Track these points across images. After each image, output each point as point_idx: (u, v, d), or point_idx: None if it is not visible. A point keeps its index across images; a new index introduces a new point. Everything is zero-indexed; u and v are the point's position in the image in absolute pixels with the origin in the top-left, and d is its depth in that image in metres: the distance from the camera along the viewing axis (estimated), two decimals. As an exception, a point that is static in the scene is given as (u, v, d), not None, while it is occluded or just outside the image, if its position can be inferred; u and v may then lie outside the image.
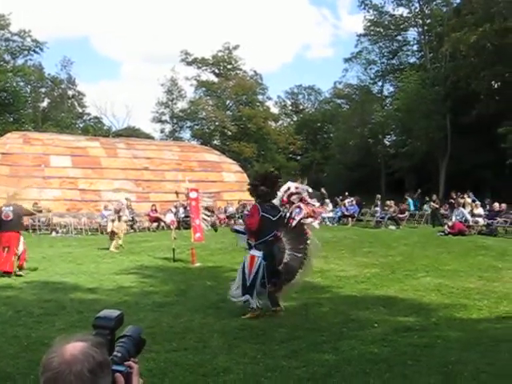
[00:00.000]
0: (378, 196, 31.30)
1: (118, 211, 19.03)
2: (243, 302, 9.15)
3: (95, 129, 63.26)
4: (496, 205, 23.95)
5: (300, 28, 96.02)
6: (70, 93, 66.25)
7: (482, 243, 19.14)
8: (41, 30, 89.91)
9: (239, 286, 9.26)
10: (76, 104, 67.36)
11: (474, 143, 41.77)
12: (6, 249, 12.99)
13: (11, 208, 13.52)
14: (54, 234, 24.45)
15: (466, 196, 27.27)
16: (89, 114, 68.88)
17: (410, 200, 31.48)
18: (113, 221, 18.85)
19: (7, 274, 12.85)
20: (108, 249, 18.11)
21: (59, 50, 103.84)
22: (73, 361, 1.48)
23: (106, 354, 1.57)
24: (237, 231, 10.16)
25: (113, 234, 18.66)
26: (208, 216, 16.78)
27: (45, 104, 64.58)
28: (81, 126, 65.88)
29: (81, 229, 25.34)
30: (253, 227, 9.24)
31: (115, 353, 1.66)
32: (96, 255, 16.91)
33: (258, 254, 9.14)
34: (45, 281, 12.20)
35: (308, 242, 9.58)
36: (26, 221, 24.50)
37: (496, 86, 43.89)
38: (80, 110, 67.94)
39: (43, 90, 64.20)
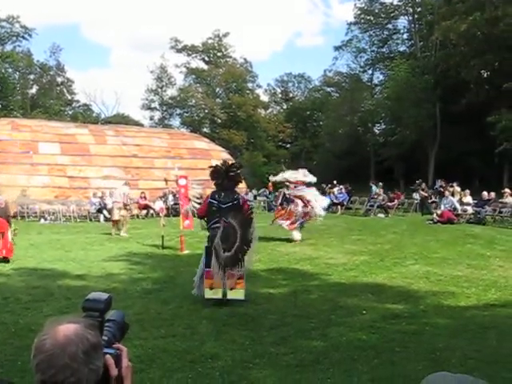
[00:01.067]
0: (380, 184, 31.32)
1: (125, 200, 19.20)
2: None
3: (84, 116, 62.90)
4: (485, 194, 24.04)
5: (291, 16, 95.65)
6: (59, 80, 65.77)
7: (471, 231, 19.24)
8: (30, 17, 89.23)
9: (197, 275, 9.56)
10: (65, 91, 66.89)
11: (464, 132, 41.94)
12: (1, 235, 12.96)
13: (2, 197, 14.20)
14: (42, 221, 24.34)
15: (454, 185, 27.34)
16: (78, 101, 68.57)
17: (374, 187, 31.69)
18: (119, 209, 18.90)
19: (5, 259, 12.82)
20: (118, 234, 18.57)
21: (48, 37, 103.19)
22: (67, 342, 1.45)
23: (99, 336, 1.56)
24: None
25: (117, 222, 18.94)
26: (199, 204, 16.72)
27: (33, 91, 64.14)
28: (70, 113, 65.49)
29: (69, 216, 25.24)
30: (200, 212, 10.10)
31: (102, 337, 1.63)
32: (84, 242, 16.85)
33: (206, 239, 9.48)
34: (33, 267, 12.14)
35: (253, 230, 9.31)
36: (15, 208, 24.54)
37: (486, 74, 44.03)
38: (69, 97, 67.51)
39: (32, 76, 63.72)
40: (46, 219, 24.53)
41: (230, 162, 10.54)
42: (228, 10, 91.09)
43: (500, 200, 23.83)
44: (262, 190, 35.41)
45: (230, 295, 9.05)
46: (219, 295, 9.03)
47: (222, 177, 9.69)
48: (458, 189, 26.32)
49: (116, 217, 19.05)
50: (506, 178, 40.29)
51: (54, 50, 63.32)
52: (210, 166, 10.34)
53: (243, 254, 9.06)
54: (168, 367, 6.07)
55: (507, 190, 24.78)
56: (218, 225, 9.20)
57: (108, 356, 1.58)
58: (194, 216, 12.46)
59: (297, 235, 16.82)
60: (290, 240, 16.88)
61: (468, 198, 24.53)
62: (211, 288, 9.07)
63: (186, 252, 14.63)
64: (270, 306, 8.81)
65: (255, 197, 32.56)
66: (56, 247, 15.74)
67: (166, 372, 5.94)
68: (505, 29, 36.34)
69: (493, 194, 24.21)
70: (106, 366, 1.56)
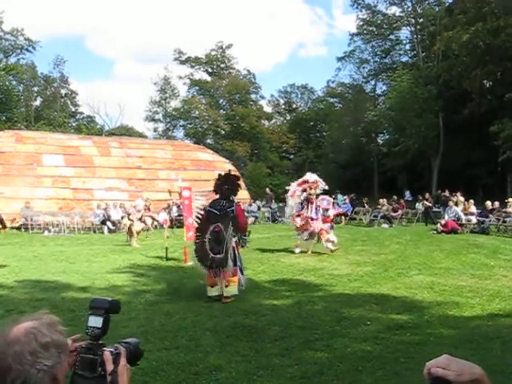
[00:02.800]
0: (395, 197, 31.28)
1: (138, 211, 19.65)
2: None
3: (88, 128, 63.06)
4: (488, 203, 23.97)
5: (294, 27, 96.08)
6: (63, 91, 66.03)
7: (475, 241, 19.18)
8: (34, 29, 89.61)
9: None
10: (69, 103, 67.13)
11: (467, 141, 41.93)
12: None
13: None
14: (46, 232, 24.36)
15: (458, 194, 27.31)
16: (82, 113, 68.78)
17: (340, 196, 31.76)
18: (139, 219, 19.50)
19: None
20: (130, 245, 19.00)
21: (52, 49, 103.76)
22: (13, 342, 1.47)
23: (59, 333, 1.57)
24: None
25: (132, 232, 19.37)
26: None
27: (37, 103, 64.43)
28: (74, 124, 65.66)
29: (73, 228, 25.27)
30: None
31: (110, 347, 1.72)
32: (88, 254, 16.86)
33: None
34: (37, 279, 12.14)
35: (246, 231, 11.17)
36: (19, 219, 24.63)
37: (488, 84, 44.03)
38: (73, 109, 67.72)
39: (36, 88, 64.00)
40: (49, 231, 24.56)
41: (232, 173, 11.39)
42: (231, 22, 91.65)
43: (504, 209, 23.79)
44: (265, 201, 35.44)
45: (225, 292, 10.08)
46: (219, 292, 10.15)
47: (222, 185, 10.69)
48: (461, 198, 26.29)
49: (139, 227, 19.51)
50: (509, 187, 40.23)
51: (58, 62, 63.67)
52: (223, 174, 11.18)
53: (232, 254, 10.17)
54: (172, 379, 6.06)
55: (511, 200, 24.74)
56: (214, 230, 10.21)
57: (106, 352, 1.66)
58: None
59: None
60: (293, 251, 16.86)
61: (472, 208, 24.50)
62: (212, 286, 10.21)
63: (189, 263, 14.59)
64: (274, 317, 8.79)
65: (259, 208, 32.55)
66: (60, 259, 15.75)
67: (170, 384, 5.94)
68: (506, 39, 36.41)
69: (496, 204, 24.16)
70: (102, 361, 1.64)
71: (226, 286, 10.13)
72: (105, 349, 1.67)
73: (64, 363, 1.58)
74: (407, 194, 31.42)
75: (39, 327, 1.53)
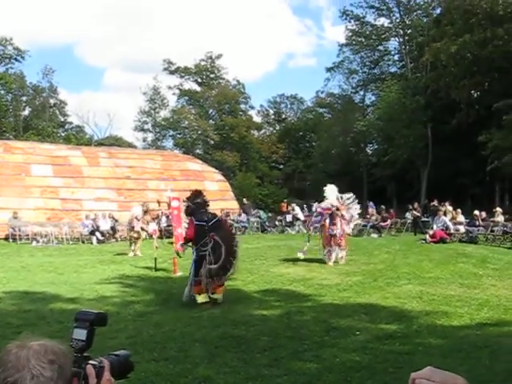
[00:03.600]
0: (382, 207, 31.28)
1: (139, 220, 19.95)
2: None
3: (77, 138, 62.77)
4: (476, 213, 24.04)
5: (283, 38, 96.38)
6: (52, 101, 65.77)
7: (463, 251, 19.24)
8: (23, 38, 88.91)
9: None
10: (58, 113, 66.85)
11: (455, 151, 42.20)
12: None
13: None
14: (34, 243, 24.20)
15: (446, 204, 27.42)
16: (71, 123, 68.44)
17: (297, 208, 31.89)
18: (130, 229, 19.95)
19: None
20: (134, 255, 19.25)
21: (41, 59, 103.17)
22: (26, 346, 1.54)
23: (66, 360, 1.59)
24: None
25: (137, 239, 19.68)
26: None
27: (26, 112, 64.08)
28: (62, 134, 65.36)
29: (62, 238, 25.13)
30: (189, 236, 11.21)
31: (93, 360, 1.69)
32: (77, 265, 16.76)
33: (194, 256, 11.11)
34: (24, 291, 12.07)
35: (236, 241, 11.50)
36: (6, 230, 24.47)
37: (476, 95, 44.38)
38: (62, 119, 67.43)
39: (24, 98, 63.70)
40: (38, 241, 24.39)
41: (198, 190, 12.28)
42: (221, 32, 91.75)
43: (491, 219, 23.91)
44: (255, 211, 35.41)
45: (214, 296, 10.86)
46: (207, 299, 10.77)
47: (201, 199, 11.49)
48: (449, 208, 26.39)
49: (136, 235, 19.72)
50: (497, 196, 40.51)
51: (47, 71, 63.45)
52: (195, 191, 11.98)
53: (230, 265, 10.90)
54: (160, 391, 6.03)
55: (498, 209, 24.91)
56: (206, 242, 10.75)
57: (89, 366, 1.64)
58: None
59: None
60: (282, 260, 16.86)
61: (460, 217, 24.61)
62: (200, 294, 10.78)
63: (178, 274, 14.57)
64: (263, 327, 8.78)
65: (248, 218, 32.51)
66: (48, 270, 15.65)
67: (158, 395, 5.91)
68: (493, 50, 36.76)
69: (483, 214, 24.25)
70: (85, 375, 1.62)
71: (213, 294, 10.86)
72: (89, 362, 1.65)
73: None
74: (370, 204, 31.41)
75: (54, 347, 1.57)
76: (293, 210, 31.60)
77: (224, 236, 11.00)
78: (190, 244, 11.46)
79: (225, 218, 12.31)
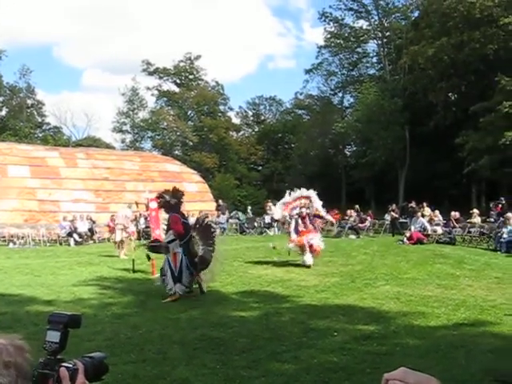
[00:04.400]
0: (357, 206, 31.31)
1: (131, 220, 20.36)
2: (167, 290, 11.54)
3: (55, 139, 62.24)
4: (453, 213, 24.26)
5: (263, 39, 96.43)
6: (29, 102, 65.15)
7: (440, 251, 19.43)
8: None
9: (169, 277, 11.59)
10: (35, 113, 66.24)
11: (432, 153, 42.61)
12: None
13: None
14: (11, 245, 23.95)
15: (424, 205, 27.61)
16: (48, 124, 67.82)
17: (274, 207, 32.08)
18: (122, 229, 19.59)
19: None
20: (118, 257, 19.04)
21: (19, 59, 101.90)
22: None
23: (23, 359, 1.57)
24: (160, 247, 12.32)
25: (121, 243, 19.49)
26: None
27: (3, 113, 63.37)
28: (40, 135, 64.76)
29: (39, 240, 24.90)
30: (181, 232, 11.66)
31: (67, 363, 1.67)
32: (54, 267, 16.62)
33: (179, 250, 11.65)
34: (0, 293, 11.93)
35: (215, 237, 12.29)
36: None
37: (453, 97, 44.89)
38: (39, 120, 66.82)
39: (1, 98, 63.04)
40: (14, 243, 24.15)
41: (179, 188, 12.74)
42: (201, 33, 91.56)
43: (468, 220, 24.16)
44: (233, 213, 35.38)
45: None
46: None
47: (180, 198, 12.22)
48: (427, 209, 26.58)
49: (118, 238, 19.63)
50: (474, 197, 40.96)
51: (24, 72, 62.86)
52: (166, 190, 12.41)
53: (209, 260, 11.87)
54: (138, 393, 6.00)
55: (475, 211, 25.17)
56: (189, 238, 11.79)
57: (63, 369, 1.61)
58: None
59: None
60: (260, 262, 16.88)
61: (438, 219, 24.82)
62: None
63: (157, 275, 14.49)
64: (241, 329, 8.77)
65: (227, 220, 32.47)
66: (25, 272, 15.49)
67: (135, 398, 5.88)
68: (470, 53, 37.21)
69: (457, 215, 24.34)
70: (59, 378, 1.59)
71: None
72: (62, 364, 1.64)
73: None
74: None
75: (7, 346, 1.53)
76: (269, 209, 31.59)
77: (203, 233, 12.16)
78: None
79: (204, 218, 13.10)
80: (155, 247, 12.69)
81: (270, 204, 32.16)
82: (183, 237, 11.68)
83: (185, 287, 11.60)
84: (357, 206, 30.72)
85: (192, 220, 13.05)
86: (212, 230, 12.45)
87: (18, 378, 1.53)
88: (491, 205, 27.36)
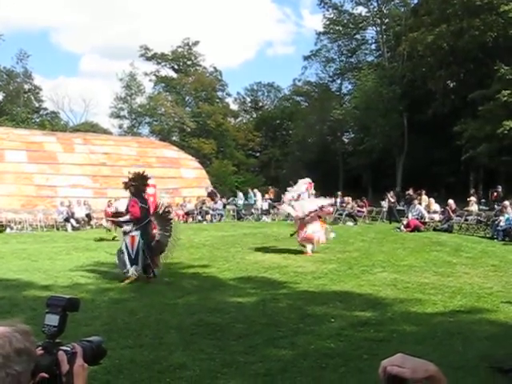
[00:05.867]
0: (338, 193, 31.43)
1: None
2: (124, 272, 11.84)
3: (52, 124, 62.05)
4: (450, 202, 24.11)
5: (262, 25, 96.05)
6: (26, 87, 64.86)
7: (437, 239, 19.46)
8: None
9: (125, 259, 11.92)
10: (32, 98, 65.98)
11: (430, 141, 42.58)
12: None
13: None
14: (8, 230, 23.94)
15: (422, 192, 27.60)
16: (45, 109, 67.65)
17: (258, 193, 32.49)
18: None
19: None
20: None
21: (16, 43, 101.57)
22: None
23: (30, 343, 1.57)
24: (119, 222, 12.97)
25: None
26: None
27: (0, 98, 63.17)
28: (37, 120, 64.55)
29: (36, 225, 24.89)
30: (137, 215, 12.03)
31: (66, 346, 1.69)
32: (51, 252, 16.61)
33: (136, 233, 12.03)
34: (-3, 278, 11.93)
35: (172, 222, 12.71)
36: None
37: (451, 85, 44.76)
38: (36, 105, 66.60)
39: (-2, 83, 62.83)
40: (12, 228, 24.14)
41: (144, 173, 12.80)
42: (199, 19, 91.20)
43: (465, 208, 24.17)
44: (231, 199, 35.39)
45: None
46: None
47: (144, 182, 12.55)
48: (425, 197, 26.55)
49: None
50: (471, 185, 41.03)
51: (21, 56, 62.53)
52: (130, 173, 12.82)
53: (165, 244, 12.36)
54: (136, 378, 6.01)
55: (472, 199, 25.19)
56: (147, 222, 12.16)
57: (61, 352, 1.63)
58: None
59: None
60: (258, 248, 16.91)
61: (435, 206, 24.82)
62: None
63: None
64: (238, 314, 8.78)
65: (225, 205, 32.48)
66: (22, 257, 15.49)
67: (133, 383, 5.89)
68: (469, 40, 37.05)
69: (453, 205, 24.06)
70: (57, 361, 1.61)
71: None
72: (60, 348, 1.64)
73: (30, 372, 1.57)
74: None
75: (14, 333, 1.53)
76: (254, 195, 31.96)
77: (161, 219, 12.58)
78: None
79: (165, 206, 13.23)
80: (114, 220, 13.70)
81: (256, 190, 32.41)
82: (140, 220, 12.04)
83: (140, 269, 11.93)
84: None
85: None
86: (170, 216, 12.85)
87: (30, 362, 1.54)
88: (489, 192, 27.43)
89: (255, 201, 32.38)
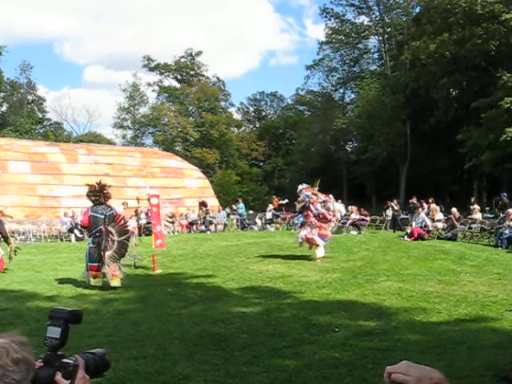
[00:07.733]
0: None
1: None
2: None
3: (55, 134, 62.28)
4: (454, 210, 24.02)
5: (265, 35, 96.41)
6: (30, 98, 65.15)
7: (441, 247, 19.39)
8: (0, 34, 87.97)
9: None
10: (36, 109, 66.25)
11: (434, 149, 42.62)
12: None
13: None
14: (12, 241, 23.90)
15: (430, 201, 27.46)
16: (49, 120, 67.88)
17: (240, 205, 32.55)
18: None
19: None
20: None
21: (20, 54, 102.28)
22: None
23: (28, 352, 1.59)
24: None
25: None
26: (170, 223, 16.81)
27: (3, 109, 63.40)
28: (41, 131, 64.78)
29: (40, 236, 24.89)
30: (84, 224, 12.70)
31: (68, 358, 1.69)
32: (55, 262, 16.62)
33: (89, 240, 12.74)
34: (1, 289, 11.90)
35: (129, 232, 12.91)
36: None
37: (454, 93, 44.81)
38: (40, 116, 66.82)
39: (2, 94, 63.00)
40: (15, 239, 24.12)
41: (103, 183, 12.88)
42: (202, 29, 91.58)
43: (469, 216, 24.12)
44: (234, 208, 35.40)
45: (112, 284, 12.04)
46: (100, 283, 12.19)
47: (99, 194, 12.49)
48: (433, 205, 26.22)
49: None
50: (475, 193, 40.99)
51: (25, 67, 62.87)
52: (87, 185, 13.06)
53: (121, 255, 12.40)
54: (139, 389, 5.99)
55: (476, 207, 25.12)
56: (99, 231, 12.18)
57: (58, 377, 1.63)
58: None
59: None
60: (262, 258, 16.88)
61: (439, 215, 24.75)
62: (94, 278, 12.27)
63: (158, 271, 14.53)
64: (242, 324, 8.76)
65: (228, 215, 32.46)
66: (26, 268, 15.49)
67: (137, 394, 5.87)
68: (471, 49, 37.17)
69: (457, 214, 23.99)
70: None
71: (111, 280, 12.12)
72: (63, 360, 1.64)
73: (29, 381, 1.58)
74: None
75: (11, 344, 1.54)
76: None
77: (117, 229, 12.41)
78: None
79: (118, 213, 13.25)
80: None
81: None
82: (88, 229, 12.65)
83: (85, 275, 12.42)
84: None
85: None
86: (125, 224, 12.97)
87: (29, 371, 1.55)
88: (494, 200, 27.36)
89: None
